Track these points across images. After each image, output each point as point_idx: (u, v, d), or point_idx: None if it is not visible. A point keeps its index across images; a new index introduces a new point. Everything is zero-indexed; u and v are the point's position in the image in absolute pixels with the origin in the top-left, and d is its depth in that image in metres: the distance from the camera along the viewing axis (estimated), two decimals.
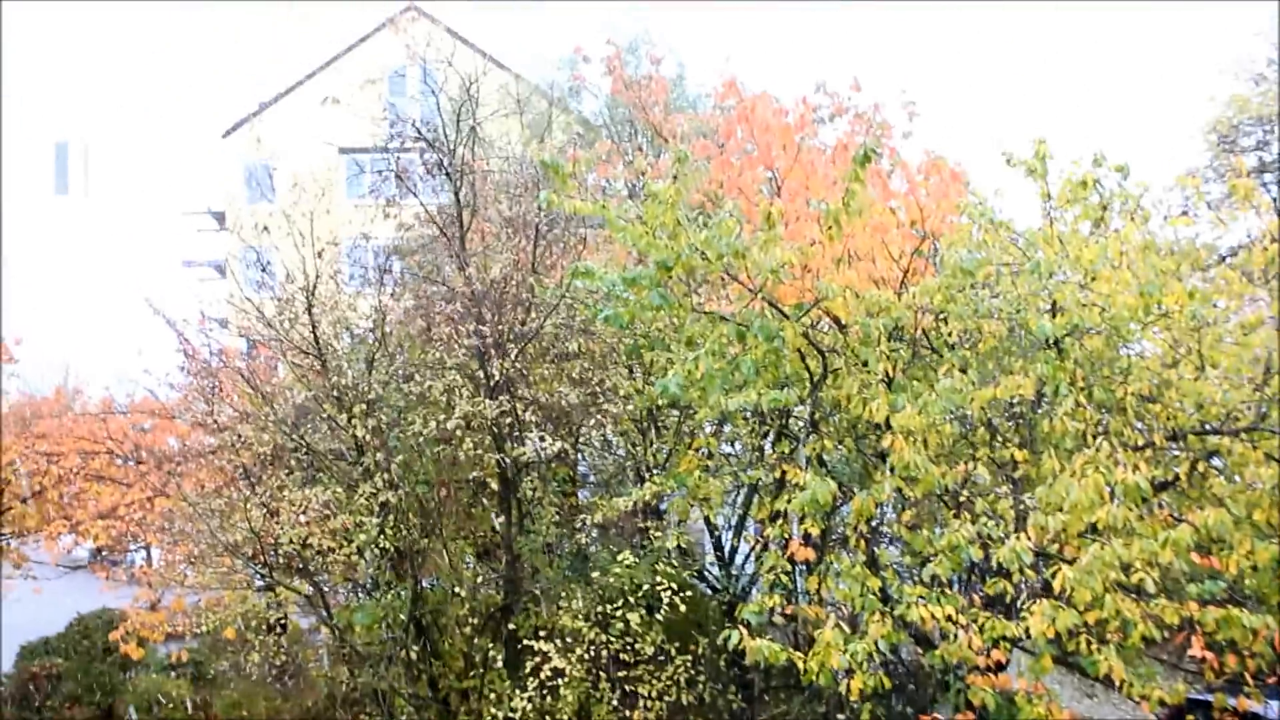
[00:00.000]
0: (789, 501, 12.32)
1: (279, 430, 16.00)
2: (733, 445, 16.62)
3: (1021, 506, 11.49)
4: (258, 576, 18.26)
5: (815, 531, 12.52)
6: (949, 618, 10.97)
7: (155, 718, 25.46)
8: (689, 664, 15.35)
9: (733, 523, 18.06)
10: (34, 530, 28.12)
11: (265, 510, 16.02)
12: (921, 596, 11.14)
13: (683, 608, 14.72)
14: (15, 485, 26.87)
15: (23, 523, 27.71)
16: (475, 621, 15.57)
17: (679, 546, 15.79)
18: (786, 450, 14.13)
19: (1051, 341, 11.59)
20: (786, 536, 13.28)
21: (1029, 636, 10.42)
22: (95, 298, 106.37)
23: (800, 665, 11.08)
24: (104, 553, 32.02)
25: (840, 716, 14.21)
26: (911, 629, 12.03)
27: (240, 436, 16.56)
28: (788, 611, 12.94)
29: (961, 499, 12.12)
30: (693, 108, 23.65)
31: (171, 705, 25.46)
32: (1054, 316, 11.59)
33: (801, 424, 15.12)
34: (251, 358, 21.46)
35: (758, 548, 17.02)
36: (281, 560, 16.32)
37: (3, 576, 28.03)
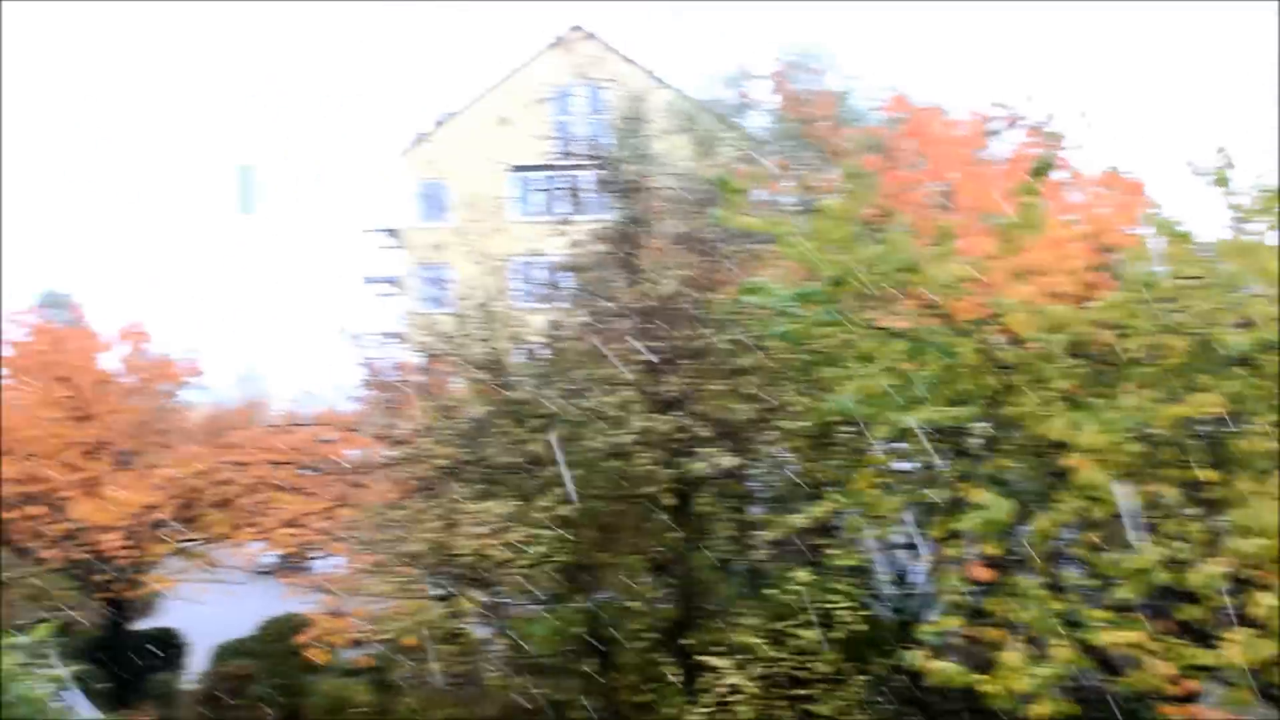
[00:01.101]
0: (967, 521, 12.09)
1: (457, 444, 16.34)
2: (907, 462, 16.36)
3: (1213, 529, 11.06)
4: (436, 586, 18.68)
5: (994, 552, 12.25)
6: (1137, 644, 10.62)
7: (340, 717, 26.26)
8: (866, 684, 15.17)
9: (908, 541, 17.79)
10: (225, 537, 29.27)
11: (444, 522, 16.38)
12: (1108, 621, 10.81)
13: (859, 627, 14.56)
14: (207, 493, 28.01)
15: (214, 529, 28.87)
16: (650, 636, 15.65)
17: (854, 565, 15.62)
18: (964, 468, 13.86)
19: (1243, 357, 11.14)
20: (964, 556, 13.03)
21: (1225, 666, 10.02)
22: (279, 313, 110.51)
23: (982, 689, 10.85)
24: (289, 559, 33.17)
25: None
26: (1097, 654, 11.69)
27: (419, 449, 16.96)
28: (967, 633, 12.68)
29: (1149, 520, 11.74)
30: (861, 121, 23.42)
31: (354, 709, 26.21)
32: (1245, 331, 11.14)
33: (979, 441, 14.84)
34: (428, 372, 22.03)
35: (934, 567, 16.75)
36: (460, 571, 16.64)
37: (196, 580, 29.28)
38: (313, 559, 33.29)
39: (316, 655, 24.88)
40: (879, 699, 15.35)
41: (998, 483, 12.98)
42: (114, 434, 28.16)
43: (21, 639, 8.29)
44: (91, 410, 27.39)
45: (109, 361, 28.47)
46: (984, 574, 11.94)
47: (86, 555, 27.26)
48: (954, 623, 11.93)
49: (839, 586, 14.69)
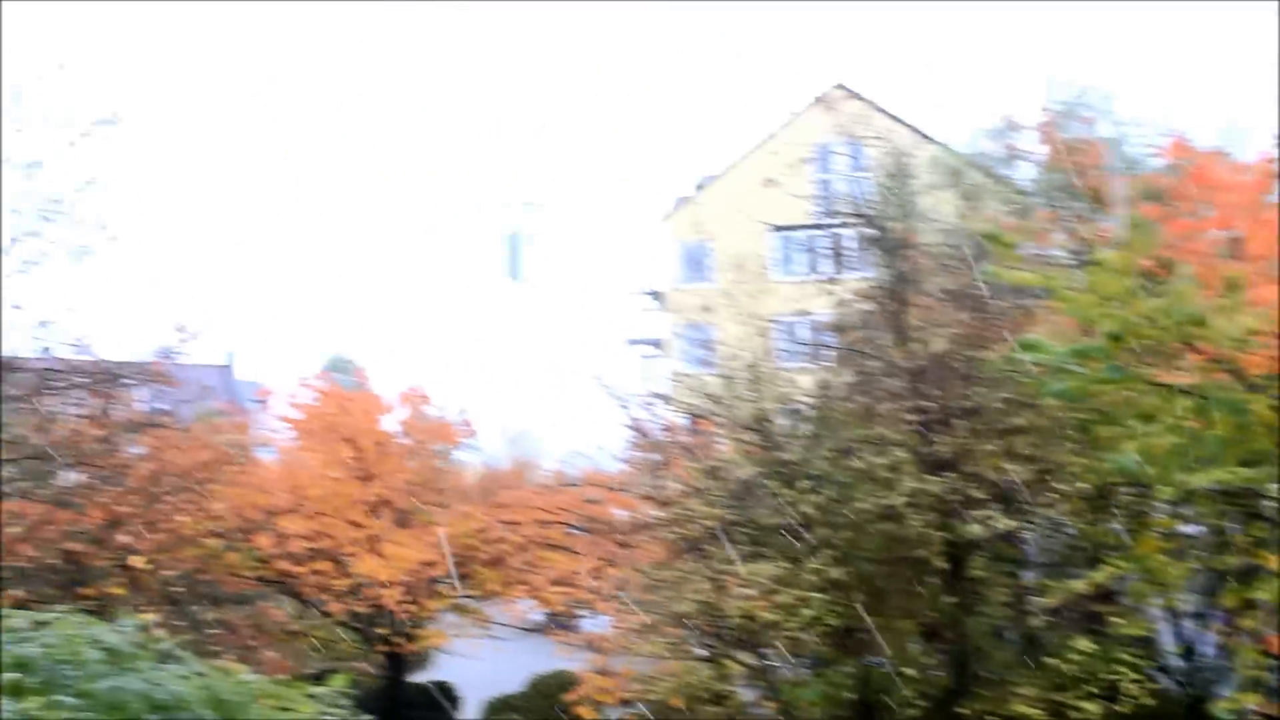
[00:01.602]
0: (1263, 589, 11.45)
1: (724, 504, 16.45)
2: (1195, 526, 15.61)
3: None
4: (704, 648, 18.75)
5: None
6: None
7: None
8: None
9: (1197, 610, 16.93)
10: (497, 593, 30.16)
11: (712, 583, 16.48)
12: None
13: (1145, 700, 13.90)
14: (480, 551, 28.94)
15: (487, 586, 29.78)
16: (922, 703, 15.32)
17: (1138, 634, 14.96)
18: (1258, 533, 13.14)
19: None
20: (1261, 628, 12.33)
21: None
22: (547, 375, 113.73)
23: None
24: (559, 617, 33.87)
25: None
26: None
27: (687, 510, 17.14)
28: (1265, 711, 11.97)
29: None
30: (1136, 168, 22.65)
31: None
32: None
33: (1275, 504, 14.06)
34: (695, 432, 22.26)
35: (1227, 639, 15.89)
36: (727, 632, 16.69)
37: (469, 636, 30.19)
38: (581, 617, 33.90)
39: (584, 713, 25.23)
40: None
41: None
42: (394, 493, 29.45)
43: (321, 689, 8.73)
44: (373, 470, 28.75)
45: (390, 423, 29.83)
46: None
47: (368, 609, 28.52)
48: (1251, 700, 11.28)
49: (1123, 657, 14.07)
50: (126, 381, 22.63)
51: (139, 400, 25.26)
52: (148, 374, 22.05)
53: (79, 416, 23.18)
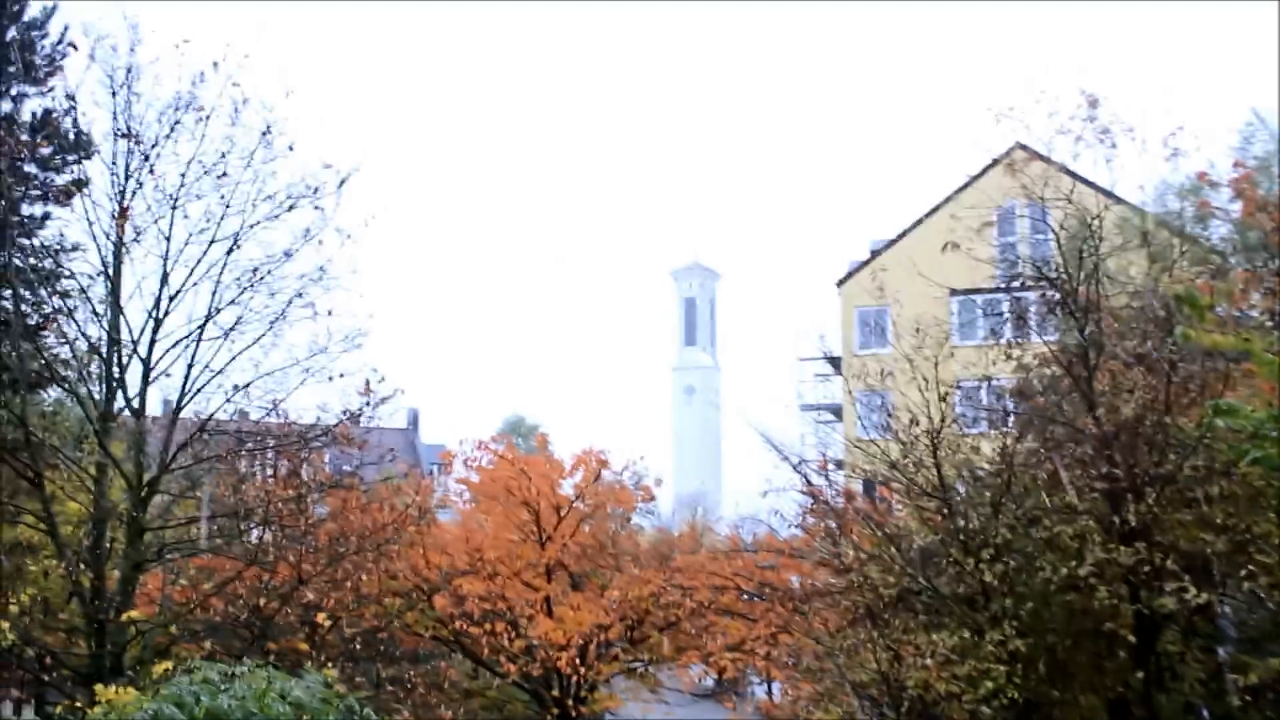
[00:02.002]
0: None
1: (904, 572, 16.14)
2: None
3: None
4: (880, 718, 18.35)
5: None
6: None
7: None
8: None
9: None
10: (668, 658, 30.04)
11: (889, 652, 16.15)
12: None
13: None
14: (653, 615, 28.90)
15: (659, 650, 29.69)
16: None
17: None
18: None
19: None
20: None
21: None
22: (720, 436, 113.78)
23: None
24: (731, 683, 33.58)
25: None
26: None
27: (864, 577, 16.86)
28: None
29: None
30: None
31: None
32: None
33: None
34: (873, 499, 21.92)
35: None
36: (905, 703, 16.28)
37: (641, 700, 30.12)
38: (754, 684, 33.54)
39: None
40: None
41: None
42: (569, 556, 29.68)
43: None
44: (549, 533, 29.02)
45: (566, 486, 30.12)
46: None
47: (541, 670, 28.69)
48: None
49: None
50: (315, 444, 23.35)
51: (326, 462, 26.07)
52: (335, 436, 22.72)
53: (270, 477, 24.02)
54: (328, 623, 23.58)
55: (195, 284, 20.38)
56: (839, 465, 25.58)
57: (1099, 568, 14.11)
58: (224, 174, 20.12)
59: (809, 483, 22.01)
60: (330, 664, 20.01)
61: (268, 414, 22.10)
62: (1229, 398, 13.88)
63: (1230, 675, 14.51)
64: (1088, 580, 14.20)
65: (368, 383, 22.35)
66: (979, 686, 15.05)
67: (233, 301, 20.52)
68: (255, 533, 23.18)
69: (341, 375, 21.31)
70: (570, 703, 29.26)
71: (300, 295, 20.76)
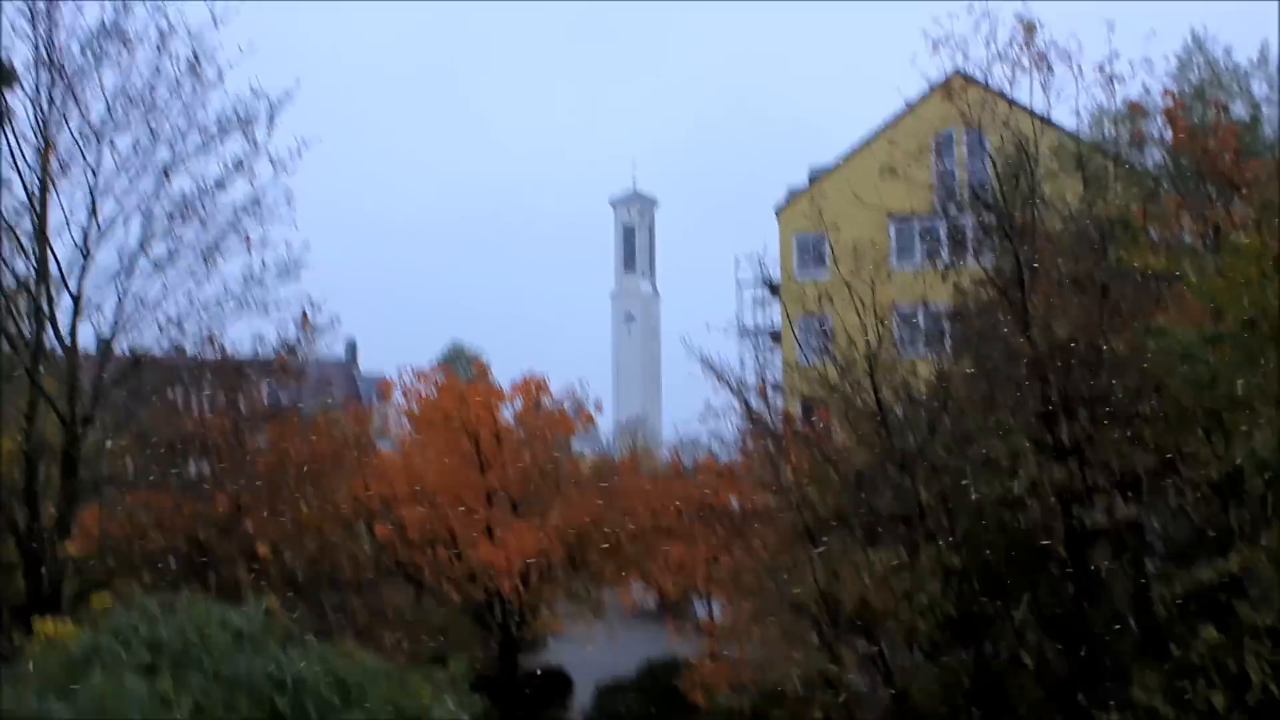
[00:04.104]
0: None
1: (842, 492, 16.36)
2: None
3: None
4: (818, 634, 18.66)
5: None
6: None
7: None
8: None
9: None
10: (610, 581, 30.34)
11: (827, 570, 16.40)
12: None
13: (1275, 691, 13.46)
14: (595, 539, 29.12)
15: (601, 573, 29.97)
16: (1040, 692, 15.06)
17: (1268, 624, 14.51)
18: None
19: None
20: None
21: None
22: (660, 363, 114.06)
23: None
24: (672, 604, 33.98)
25: None
26: None
27: (804, 498, 17.07)
28: None
29: None
30: (1271, 151, 21.95)
31: None
32: None
33: None
34: (809, 422, 22.13)
35: None
36: (842, 619, 16.59)
37: (583, 622, 30.44)
38: (695, 605, 33.96)
39: (696, 698, 25.29)
40: None
41: None
42: (510, 482, 29.76)
43: (439, 672, 8.87)
44: (490, 460, 29.07)
45: (506, 413, 30.14)
46: None
47: (484, 596, 28.88)
48: None
49: (1251, 647, 13.63)
50: (251, 376, 23.14)
51: (264, 393, 25.86)
52: (272, 368, 22.50)
53: (207, 410, 23.81)
54: (269, 553, 23.50)
55: (125, 216, 20.00)
56: (778, 389, 25.78)
57: (1032, 485, 14.38)
58: (152, 104, 19.69)
59: (748, 406, 22.19)
60: (272, 594, 19.99)
61: (203, 347, 21.83)
62: (1160, 320, 14.11)
63: (1157, 587, 14.88)
64: (1021, 497, 14.48)
65: (304, 313, 22.15)
66: (915, 601, 15.35)
67: (164, 234, 20.16)
68: (193, 465, 23.01)
69: (277, 306, 21.08)
70: (513, 626, 29.52)
71: (233, 226, 20.44)
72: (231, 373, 22.44)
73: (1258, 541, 13.95)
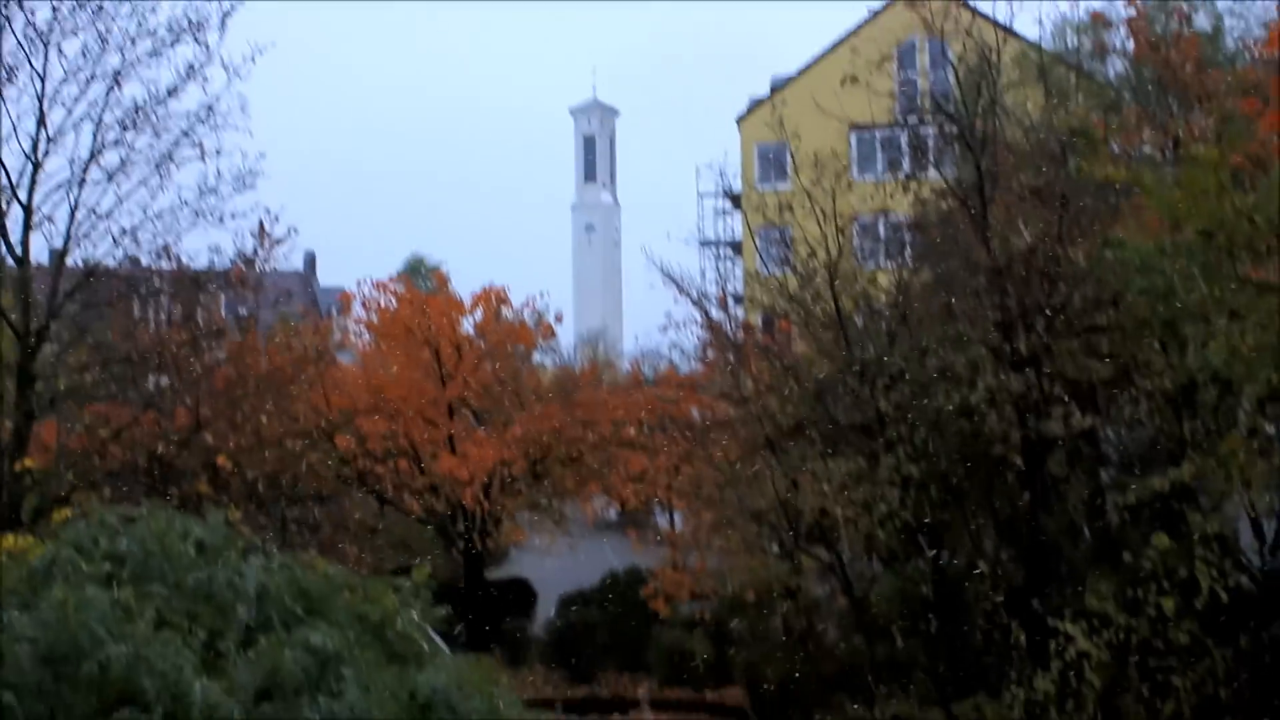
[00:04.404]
0: None
1: (802, 402, 16.46)
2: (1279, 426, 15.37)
3: None
4: (778, 543, 18.90)
5: None
6: None
7: (678, 669, 27.01)
8: (1228, 658, 14.35)
9: (1277, 509, 16.72)
10: (572, 492, 30.51)
11: (787, 480, 16.57)
12: None
13: (1223, 597, 13.78)
14: (556, 450, 29.24)
15: (563, 484, 30.14)
16: (996, 599, 15.34)
17: (1217, 532, 14.80)
18: None
19: None
20: None
21: None
22: (621, 275, 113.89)
23: None
24: (634, 515, 34.27)
25: None
26: None
27: (764, 408, 17.18)
28: None
29: None
30: (1232, 63, 21.93)
31: (694, 660, 26.88)
32: None
33: None
34: (770, 332, 22.21)
35: None
36: (802, 529, 16.78)
37: (545, 533, 30.68)
38: (656, 515, 34.25)
39: (658, 607, 25.64)
40: (1243, 673, 14.51)
41: None
42: (471, 393, 29.76)
43: (402, 581, 8.89)
44: (451, 371, 29.04)
45: (467, 325, 30.07)
46: None
47: (446, 507, 28.99)
48: None
49: (1201, 554, 13.92)
50: (209, 288, 22.92)
51: (222, 306, 25.65)
52: (229, 280, 22.28)
53: (164, 322, 23.59)
54: (229, 466, 23.47)
55: (75, 125, 19.60)
56: (738, 300, 25.84)
57: (990, 395, 14.50)
58: (100, 8, 19.23)
59: (709, 317, 22.24)
60: (234, 506, 19.99)
61: (158, 259, 21.57)
62: (1119, 231, 14.17)
63: (1111, 496, 15.11)
64: (979, 407, 14.60)
65: (261, 224, 21.90)
66: (874, 510, 15.53)
67: (116, 142, 19.79)
68: (151, 379, 22.85)
69: (233, 217, 20.80)
70: (476, 537, 29.65)
71: (187, 135, 20.08)
72: (188, 285, 22.18)
73: (1210, 451, 14.17)
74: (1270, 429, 15.41)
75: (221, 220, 20.64)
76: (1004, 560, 15.73)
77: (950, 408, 14.72)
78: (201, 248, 21.74)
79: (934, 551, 15.85)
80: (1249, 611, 16.18)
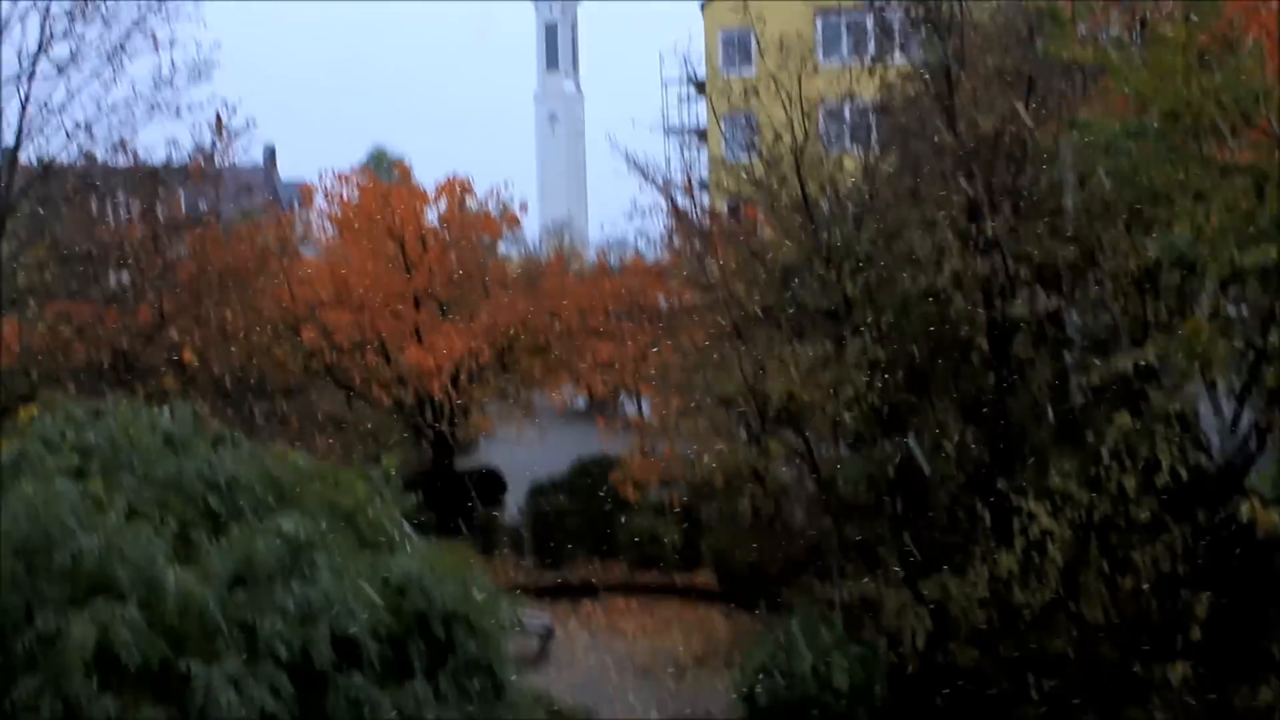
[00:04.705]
0: None
1: (769, 288, 16.45)
2: (1240, 308, 15.49)
3: None
4: (746, 428, 19.02)
5: None
6: None
7: (648, 555, 27.35)
8: (1187, 534, 14.63)
9: (1237, 389, 16.93)
10: (540, 381, 30.56)
11: (755, 365, 16.61)
12: None
13: (1182, 475, 14.00)
14: (523, 340, 29.23)
15: (530, 374, 30.17)
16: (961, 479, 15.53)
17: (1179, 412, 14.99)
18: None
19: None
20: None
21: None
22: (586, 165, 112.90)
23: None
24: (602, 403, 34.40)
25: None
26: None
27: (731, 294, 17.17)
28: None
29: None
30: None
31: (663, 545, 27.20)
32: None
33: None
34: (736, 218, 22.13)
35: (1268, 417, 15.91)
36: (770, 414, 16.86)
37: (514, 423, 30.80)
38: (624, 402, 34.38)
39: (627, 493, 25.84)
40: (1201, 549, 14.81)
41: None
42: (436, 284, 29.63)
43: (372, 470, 8.94)
44: (416, 263, 28.86)
45: (431, 216, 29.81)
46: None
47: (414, 399, 29.03)
48: None
49: (1162, 433, 14.12)
50: (168, 182, 22.61)
51: (182, 201, 25.33)
52: (188, 174, 21.97)
53: (124, 218, 23.30)
54: (195, 361, 23.35)
55: (22, 16, 19.12)
56: (704, 187, 25.69)
57: (956, 278, 14.52)
58: None
59: (675, 204, 22.12)
60: (201, 401, 19.94)
61: (115, 153, 21.24)
62: (1086, 113, 14.10)
63: (1075, 377, 15.24)
64: (945, 290, 14.63)
65: (218, 116, 21.56)
66: (840, 394, 15.61)
67: (65, 34, 19.33)
68: (113, 275, 22.63)
69: (190, 110, 20.46)
70: (445, 427, 29.74)
71: (138, 25, 19.65)
72: (146, 179, 21.87)
73: (1172, 332, 14.29)
74: (1232, 310, 15.55)
75: (178, 113, 20.37)
76: (969, 441, 15.86)
77: (916, 291, 14.74)
78: (159, 142, 21.47)
79: (900, 434, 15.98)
80: (1207, 489, 16.47)
